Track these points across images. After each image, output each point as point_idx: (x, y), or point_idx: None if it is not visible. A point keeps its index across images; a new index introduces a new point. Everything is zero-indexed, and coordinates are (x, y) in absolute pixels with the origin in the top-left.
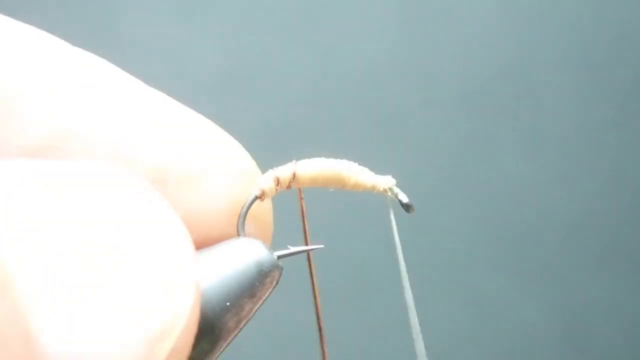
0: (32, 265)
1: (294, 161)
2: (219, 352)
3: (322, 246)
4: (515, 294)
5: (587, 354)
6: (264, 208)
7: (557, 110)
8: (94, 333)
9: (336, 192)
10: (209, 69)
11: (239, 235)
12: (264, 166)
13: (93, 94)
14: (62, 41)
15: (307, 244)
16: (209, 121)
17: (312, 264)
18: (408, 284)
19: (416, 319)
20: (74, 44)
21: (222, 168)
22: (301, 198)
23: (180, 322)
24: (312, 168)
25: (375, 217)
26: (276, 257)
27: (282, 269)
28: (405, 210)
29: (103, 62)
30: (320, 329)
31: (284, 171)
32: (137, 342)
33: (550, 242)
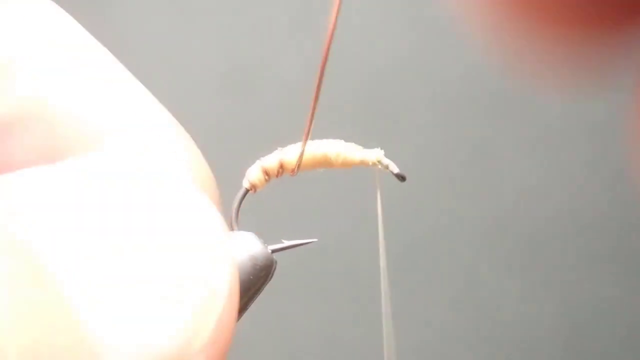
0: (79, 267)
1: (279, 149)
2: None
3: (315, 240)
4: (516, 294)
5: (589, 355)
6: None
7: (559, 109)
8: (147, 322)
9: (331, 186)
10: (208, 69)
11: (232, 229)
12: None
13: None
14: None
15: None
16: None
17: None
18: (385, 264)
19: (389, 304)
20: None
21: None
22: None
23: (223, 290)
24: (299, 152)
25: (371, 210)
26: (270, 251)
27: (276, 262)
28: (399, 179)
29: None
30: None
31: (271, 160)
32: (185, 317)
33: (551, 242)
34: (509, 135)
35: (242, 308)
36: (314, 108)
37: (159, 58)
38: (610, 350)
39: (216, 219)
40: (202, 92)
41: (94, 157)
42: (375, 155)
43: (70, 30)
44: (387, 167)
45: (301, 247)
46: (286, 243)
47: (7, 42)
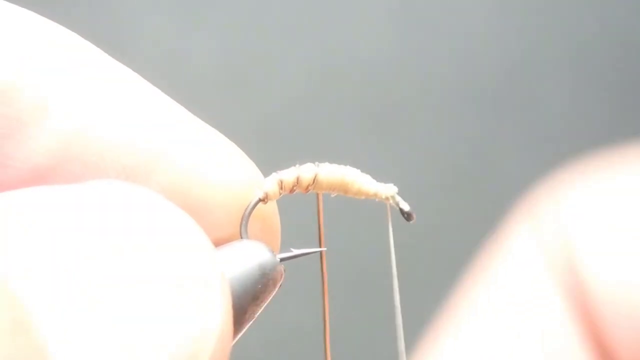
0: (50, 296)
1: (297, 165)
2: None
3: (324, 249)
4: None
5: None
6: (270, 209)
7: (558, 111)
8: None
9: (338, 196)
10: (208, 68)
11: (241, 237)
12: (263, 164)
13: (113, 96)
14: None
15: (321, 245)
16: (202, 122)
17: (324, 265)
18: (398, 293)
19: (400, 321)
20: None
21: (223, 166)
22: (320, 201)
23: (211, 339)
24: (316, 173)
25: (377, 222)
26: (279, 260)
27: (284, 271)
28: (406, 219)
29: (112, 60)
30: (325, 332)
31: (288, 175)
32: None
33: None
34: (508, 136)
35: (250, 317)
36: None
37: (159, 58)
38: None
39: (208, 253)
40: (202, 92)
41: (70, 186)
42: (389, 190)
43: (66, 33)
44: (397, 204)
45: (309, 255)
46: (295, 252)
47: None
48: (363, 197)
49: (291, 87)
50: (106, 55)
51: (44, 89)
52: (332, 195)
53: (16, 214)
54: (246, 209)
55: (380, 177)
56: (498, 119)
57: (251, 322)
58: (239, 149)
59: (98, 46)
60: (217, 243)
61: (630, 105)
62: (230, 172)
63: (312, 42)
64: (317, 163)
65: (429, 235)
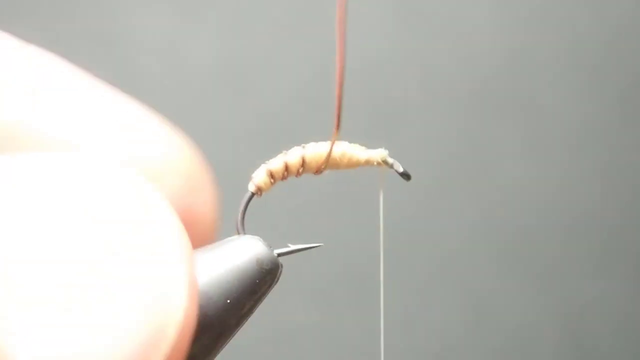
0: (9, 277)
1: (283, 152)
2: (220, 349)
3: (321, 244)
4: (515, 294)
5: (586, 355)
6: (188, 162)
7: (557, 109)
8: (81, 347)
9: (336, 190)
10: (207, 68)
11: (238, 233)
12: (262, 163)
13: (40, 89)
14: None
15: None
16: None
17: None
18: (382, 268)
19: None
20: (72, 44)
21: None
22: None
23: (173, 325)
24: (302, 155)
25: (374, 215)
26: (276, 255)
27: (282, 266)
28: (404, 178)
29: (50, 56)
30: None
31: (276, 163)
32: (130, 350)
33: (550, 242)
34: (509, 134)
35: (247, 312)
36: (338, 109)
37: (159, 58)
38: (611, 350)
39: (177, 238)
40: (201, 92)
41: (43, 155)
42: (380, 154)
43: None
44: (391, 166)
45: (307, 250)
46: (292, 247)
47: None
48: (356, 167)
49: (291, 86)
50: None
51: None
52: (330, 190)
53: None
54: (241, 205)
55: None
56: (498, 119)
57: (248, 318)
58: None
59: (97, 46)
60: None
61: (631, 105)
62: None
63: (311, 42)
64: (303, 145)
65: (427, 233)
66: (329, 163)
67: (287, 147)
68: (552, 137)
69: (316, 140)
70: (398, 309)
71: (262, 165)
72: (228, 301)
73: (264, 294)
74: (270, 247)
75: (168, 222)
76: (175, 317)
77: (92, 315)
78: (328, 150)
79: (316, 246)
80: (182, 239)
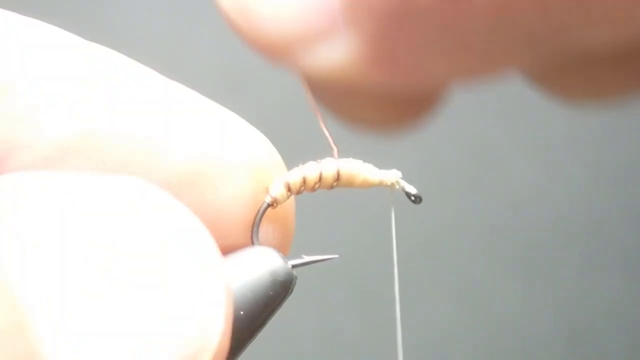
0: (48, 296)
1: (301, 165)
2: None
3: (336, 256)
4: (518, 296)
5: (589, 355)
6: (286, 209)
7: (559, 111)
8: None
9: (348, 202)
10: (207, 68)
11: (253, 244)
12: None
13: (113, 90)
14: (71, 35)
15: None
16: (229, 111)
17: None
18: (397, 283)
19: (399, 316)
20: None
21: (244, 166)
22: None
23: (211, 341)
24: (321, 171)
25: (386, 226)
26: (290, 267)
27: (296, 278)
28: (414, 202)
29: (116, 55)
30: None
31: (294, 176)
32: None
33: (551, 242)
34: (511, 139)
35: (261, 324)
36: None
37: (159, 58)
38: (610, 351)
39: (212, 254)
40: (201, 92)
41: (75, 175)
42: (393, 176)
43: (63, 34)
44: (403, 188)
45: (321, 262)
46: (306, 258)
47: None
48: (368, 187)
49: (290, 86)
50: (101, 46)
51: (42, 88)
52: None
53: (18, 196)
54: (256, 214)
55: None
56: (501, 121)
57: (262, 330)
58: (248, 124)
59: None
60: (226, 250)
61: (630, 109)
62: (244, 151)
63: None
64: (318, 160)
65: (429, 235)
66: (342, 182)
67: (288, 147)
68: (556, 142)
69: (316, 143)
70: (412, 322)
71: (279, 177)
72: (241, 313)
73: (277, 305)
74: (285, 258)
75: (202, 242)
76: (212, 342)
77: (125, 335)
78: (346, 169)
79: (331, 258)
80: (216, 257)
